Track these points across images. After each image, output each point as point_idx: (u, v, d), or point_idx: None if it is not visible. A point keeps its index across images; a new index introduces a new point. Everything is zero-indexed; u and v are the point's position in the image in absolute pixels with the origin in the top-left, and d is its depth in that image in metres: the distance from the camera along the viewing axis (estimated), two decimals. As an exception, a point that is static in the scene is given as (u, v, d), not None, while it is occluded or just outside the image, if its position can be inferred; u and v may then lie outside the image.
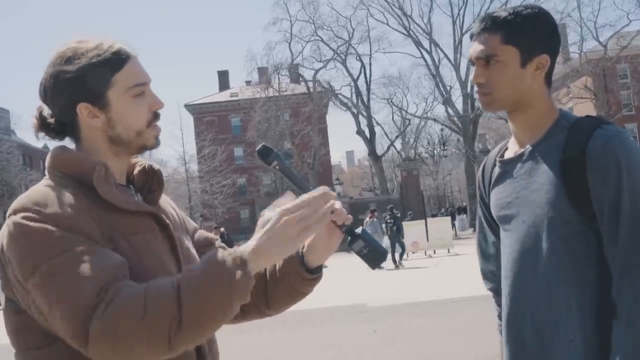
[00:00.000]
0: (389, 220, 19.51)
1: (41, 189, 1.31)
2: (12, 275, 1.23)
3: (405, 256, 19.33)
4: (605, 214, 1.55)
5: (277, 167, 1.50)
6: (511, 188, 1.74)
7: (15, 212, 1.24)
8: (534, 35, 1.64)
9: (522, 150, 1.72)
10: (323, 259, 1.52)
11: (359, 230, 1.48)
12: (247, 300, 1.22)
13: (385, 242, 18.64)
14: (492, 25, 1.65)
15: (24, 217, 1.22)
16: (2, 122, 54.33)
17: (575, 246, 1.60)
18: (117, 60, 1.36)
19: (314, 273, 1.52)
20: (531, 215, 1.66)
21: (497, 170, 1.82)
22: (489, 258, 1.98)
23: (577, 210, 1.58)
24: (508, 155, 1.80)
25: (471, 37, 1.73)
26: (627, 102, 46.49)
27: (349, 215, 1.45)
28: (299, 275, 1.50)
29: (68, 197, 1.28)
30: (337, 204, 1.45)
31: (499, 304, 1.90)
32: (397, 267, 18.36)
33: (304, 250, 1.51)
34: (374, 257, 1.47)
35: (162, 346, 1.14)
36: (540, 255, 1.64)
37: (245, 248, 1.23)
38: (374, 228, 19.35)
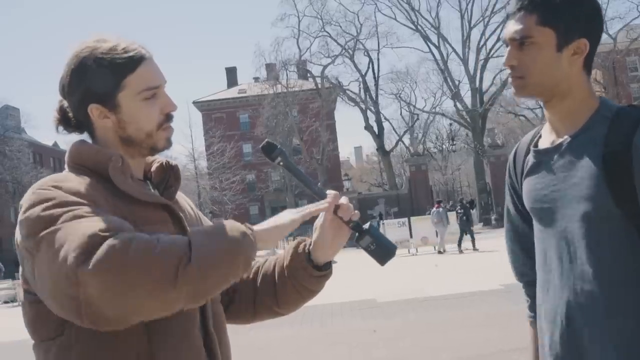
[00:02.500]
0: (459, 211, 20.94)
1: (62, 174, 1.36)
2: (23, 249, 1.23)
3: (470, 246, 20.37)
4: None
5: (281, 164, 1.50)
6: (547, 180, 1.66)
7: (33, 188, 1.28)
8: (573, 17, 1.55)
9: (560, 140, 1.64)
10: (331, 256, 1.53)
11: (366, 225, 1.46)
12: (250, 265, 1.25)
13: (451, 229, 20.62)
14: (529, 4, 1.56)
15: (42, 187, 1.26)
16: (12, 121, 54.64)
17: (616, 243, 1.53)
18: (130, 63, 1.37)
19: (322, 270, 1.53)
20: (570, 210, 1.59)
21: (530, 159, 1.73)
22: (521, 249, 1.89)
23: (620, 207, 1.50)
24: (543, 144, 1.71)
25: (507, 16, 1.65)
26: (638, 95, 46.13)
27: (356, 211, 1.46)
28: (307, 272, 1.51)
29: (88, 182, 1.31)
30: (344, 199, 1.46)
31: (530, 296, 1.85)
32: (461, 252, 19.75)
33: (311, 247, 1.52)
34: (382, 253, 1.45)
35: (168, 280, 1.11)
36: (579, 251, 1.57)
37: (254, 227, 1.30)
38: (440, 217, 20.56)
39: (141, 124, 1.39)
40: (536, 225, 1.74)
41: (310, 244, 1.53)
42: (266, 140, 1.52)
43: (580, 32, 1.57)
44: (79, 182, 1.29)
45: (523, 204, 1.79)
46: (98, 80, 1.35)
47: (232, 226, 1.24)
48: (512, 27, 1.59)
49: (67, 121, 1.45)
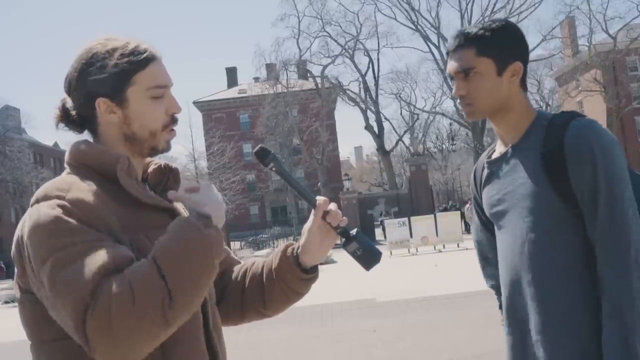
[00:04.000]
0: None
1: (65, 179, 1.33)
2: (28, 265, 1.24)
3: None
4: (585, 199, 1.66)
5: (274, 169, 1.53)
6: (499, 186, 1.85)
7: (37, 201, 1.27)
8: (504, 45, 1.77)
9: (506, 149, 1.85)
10: (317, 260, 1.56)
11: (353, 232, 1.50)
12: (222, 254, 1.27)
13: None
14: (466, 41, 1.78)
15: (45, 205, 1.24)
16: (12, 121, 54.65)
17: (563, 231, 1.71)
18: (141, 60, 1.38)
19: (310, 273, 1.56)
20: (519, 209, 1.77)
21: (485, 171, 1.94)
22: (487, 257, 2.09)
23: (562, 199, 1.69)
24: (494, 156, 1.91)
25: (447, 54, 1.86)
26: (638, 95, 46.06)
27: (344, 217, 1.51)
28: (294, 275, 1.54)
29: (90, 188, 1.30)
30: (332, 206, 1.51)
31: (501, 300, 1.99)
32: None
33: (299, 250, 1.55)
34: (367, 259, 1.50)
35: (159, 325, 1.14)
36: (532, 245, 1.74)
37: (199, 209, 1.29)
38: (472, 213, 21.12)
39: (147, 121, 1.40)
40: (496, 231, 1.93)
41: (298, 248, 1.56)
42: (259, 145, 1.57)
43: (513, 56, 1.78)
44: (84, 192, 1.28)
45: (485, 214, 1.98)
46: (109, 74, 1.36)
47: (193, 230, 1.22)
48: (455, 62, 1.80)
49: (68, 118, 1.44)
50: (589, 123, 1.72)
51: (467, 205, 25.00)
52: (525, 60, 1.82)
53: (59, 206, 1.24)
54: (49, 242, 1.20)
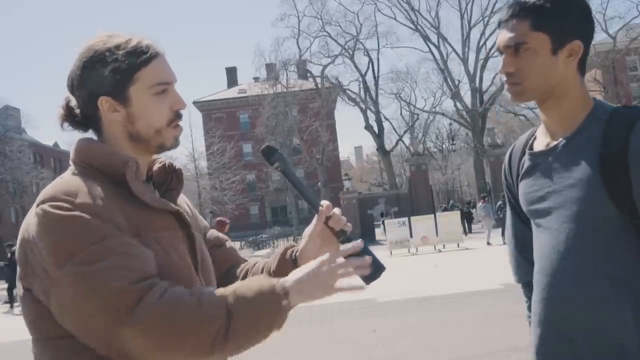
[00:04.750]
0: (502, 205, 21.94)
1: (70, 179, 1.32)
2: (37, 264, 1.23)
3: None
4: None
5: (279, 169, 1.50)
6: (542, 182, 1.66)
7: (45, 201, 1.25)
8: (565, 20, 1.57)
9: (555, 142, 1.65)
10: None
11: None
12: (280, 329, 1.29)
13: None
14: (521, 11, 1.58)
15: (55, 206, 1.23)
16: (13, 121, 54.65)
17: (615, 243, 1.53)
18: (143, 57, 1.37)
19: None
20: (567, 211, 1.59)
21: (526, 161, 1.74)
22: (519, 250, 1.91)
23: (618, 207, 1.50)
24: (538, 146, 1.72)
25: (499, 24, 1.66)
26: (638, 94, 46.09)
27: (349, 224, 1.48)
28: None
29: (97, 188, 1.29)
30: (336, 210, 1.48)
31: (528, 296, 1.86)
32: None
33: (297, 254, 1.55)
34: (368, 273, 1.41)
35: (204, 350, 1.19)
36: (577, 252, 1.57)
37: (289, 282, 1.29)
38: (487, 211, 22.67)
39: (151, 119, 1.38)
40: (533, 227, 1.75)
41: (297, 251, 1.56)
42: (266, 144, 1.53)
43: (574, 34, 1.58)
44: (92, 195, 1.27)
45: (519, 205, 1.80)
46: (111, 72, 1.34)
47: (270, 299, 1.25)
48: (506, 34, 1.61)
49: (72, 117, 1.43)
50: None
51: (480, 204, 24.38)
52: (587, 40, 1.61)
53: (72, 207, 1.23)
54: (73, 239, 1.20)
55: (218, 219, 12.61)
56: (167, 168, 1.52)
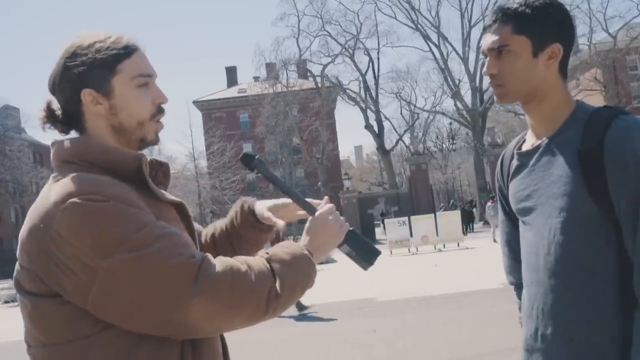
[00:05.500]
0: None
1: (84, 176, 1.29)
2: (69, 260, 1.20)
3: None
4: (623, 207, 1.53)
5: (260, 174, 1.56)
6: (529, 180, 1.73)
7: (72, 196, 1.23)
8: (544, 24, 1.64)
9: (539, 142, 1.72)
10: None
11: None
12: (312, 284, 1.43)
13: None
14: (503, 16, 1.67)
15: (88, 199, 1.22)
16: (12, 120, 54.61)
17: (594, 238, 1.59)
18: (124, 50, 1.39)
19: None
20: (549, 208, 1.66)
21: (514, 162, 1.82)
22: (511, 251, 1.97)
23: (596, 202, 1.56)
24: (525, 147, 1.79)
25: (484, 30, 1.75)
26: (638, 94, 46.05)
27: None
28: (256, 228, 1.76)
29: (123, 186, 1.30)
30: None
31: (519, 297, 1.91)
32: None
33: (254, 205, 1.76)
34: (361, 259, 1.51)
35: (260, 310, 1.28)
36: (559, 247, 1.63)
37: (310, 244, 1.46)
38: (496, 210, 22.47)
39: (133, 110, 1.40)
40: (521, 226, 1.81)
41: (252, 204, 1.77)
42: (243, 152, 1.59)
43: (553, 37, 1.66)
44: (119, 186, 1.29)
45: (510, 206, 1.86)
46: (93, 65, 1.36)
47: (303, 256, 1.40)
48: (490, 38, 1.69)
49: (54, 118, 1.44)
50: (635, 123, 1.57)
51: (489, 204, 24.50)
52: (567, 43, 1.68)
53: (105, 199, 1.23)
54: (120, 226, 1.21)
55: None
56: (153, 163, 1.53)
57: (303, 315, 9.79)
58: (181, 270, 1.21)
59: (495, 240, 21.81)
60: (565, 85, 1.72)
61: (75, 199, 1.22)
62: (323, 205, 1.54)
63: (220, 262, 1.27)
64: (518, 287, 1.94)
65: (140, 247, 1.20)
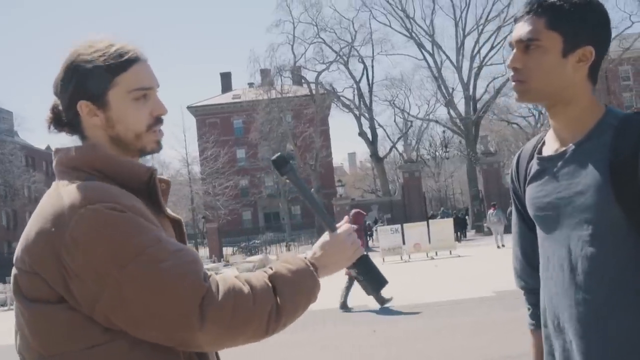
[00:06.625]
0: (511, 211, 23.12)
1: (102, 185, 1.29)
2: (81, 266, 1.19)
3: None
4: None
5: (289, 180, 1.51)
6: (551, 187, 1.63)
7: (91, 202, 1.22)
8: (581, 23, 1.53)
9: (564, 148, 1.62)
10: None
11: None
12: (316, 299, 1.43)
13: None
14: (539, 8, 1.55)
15: (108, 207, 1.22)
16: (5, 124, 54.42)
17: (624, 253, 1.50)
18: (123, 62, 1.37)
19: None
20: (573, 219, 1.57)
21: (534, 166, 1.71)
22: (523, 255, 1.88)
23: (627, 215, 1.48)
24: (547, 151, 1.69)
25: (515, 20, 1.63)
26: (630, 104, 46.39)
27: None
28: None
29: (129, 194, 1.30)
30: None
31: (530, 304, 1.85)
32: None
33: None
34: (366, 287, 1.53)
35: (261, 330, 1.29)
36: (581, 260, 1.55)
37: (315, 260, 1.45)
38: (498, 217, 23.36)
39: (130, 123, 1.39)
40: (539, 232, 1.72)
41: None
42: (278, 154, 1.51)
43: (587, 39, 1.55)
44: (132, 199, 1.29)
45: (526, 210, 1.77)
46: (89, 77, 1.35)
47: (306, 272, 1.39)
48: (520, 29, 1.58)
49: (59, 121, 1.43)
50: None
51: (491, 211, 24.49)
52: (601, 48, 1.56)
53: (123, 209, 1.23)
54: (137, 238, 1.21)
55: (355, 210, 11.95)
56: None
57: (385, 308, 10.29)
58: (190, 291, 1.21)
59: (499, 246, 22.27)
60: (593, 90, 1.62)
61: (95, 205, 1.22)
62: (343, 224, 1.53)
63: (223, 283, 1.26)
64: (529, 292, 1.86)
65: (154, 262, 1.20)
